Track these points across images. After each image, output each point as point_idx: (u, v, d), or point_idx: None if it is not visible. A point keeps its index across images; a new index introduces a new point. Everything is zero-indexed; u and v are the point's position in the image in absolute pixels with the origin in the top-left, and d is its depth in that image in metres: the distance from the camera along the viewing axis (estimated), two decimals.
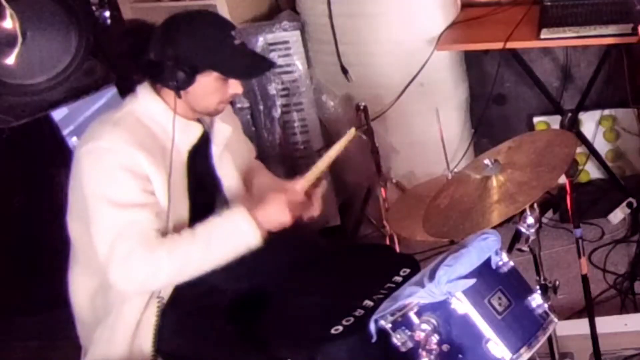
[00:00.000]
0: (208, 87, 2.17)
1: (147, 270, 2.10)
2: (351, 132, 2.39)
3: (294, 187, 2.27)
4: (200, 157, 2.32)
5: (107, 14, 3.08)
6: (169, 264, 2.10)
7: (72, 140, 3.00)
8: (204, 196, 2.38)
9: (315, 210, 2.32)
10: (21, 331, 3.36)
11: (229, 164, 2.40)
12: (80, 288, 2.33)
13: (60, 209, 2.29)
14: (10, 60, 2.49)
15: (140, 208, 2.11)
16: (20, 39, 2.47)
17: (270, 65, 2.37)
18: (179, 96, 2.17)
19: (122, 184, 2.11)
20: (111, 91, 2.94)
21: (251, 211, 2.18)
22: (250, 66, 2.24)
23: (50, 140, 3.04)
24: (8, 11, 2.40)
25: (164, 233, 2.15)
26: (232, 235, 2.15)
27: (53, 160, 3.00)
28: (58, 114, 2.98)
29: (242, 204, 2.23)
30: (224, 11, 3.38)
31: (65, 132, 3.03)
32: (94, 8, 2.95)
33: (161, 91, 2.21)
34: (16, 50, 2.48)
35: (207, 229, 2.17)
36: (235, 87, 2.22)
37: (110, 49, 2.74)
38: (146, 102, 2.21)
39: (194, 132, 2.27)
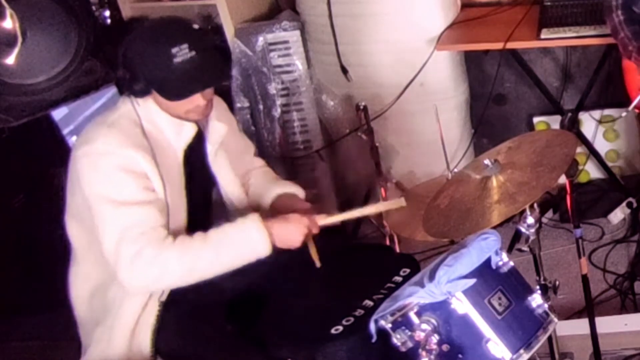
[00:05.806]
0: (163, 102, 2.18)
1: (155, 270, 2.10)
2: (400, 202, 2.39)
3: (317, 219, 2.29)
4: (195, 155, 2.32)
5: (107, 14, 3.10)
6: (178, 265, 2.11)
7: (72, 140, 3.01)
8: (200, 194, 2.39)
9: None
10: (21, 331, 3.36)
11: (224, 162, 2.41)
12: (79, 288, 2.34)
13: (60, 209, 2.29)
14: (10, 60, 2.50)
15: (143, 205, 2.12)
16: (20, 39, 2.47)
17: (220, 76, 2.31)
18: (138, 103, 2.18)
19: (123, 184, 2.12)
20: (111, 91, 2.94)
21: (265, 221, 2.19)
22: (186, 87, 2.14)
23: (50, 140, 3.04)
24: (8, 11, 2.41)
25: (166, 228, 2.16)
26: (243, 243, 2.16)
27: (53, 160, 3.00)
28: (58, 114, 2.99)
29: (251, 210, 2.23)
30: (224, 11, 3.38)
31: (65, 131, 3.04)
32: (94, 8, 2.96)
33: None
34: (16, 50, 2.49)
35: (219, 234, 2.17)
36: (194, 99, 2.17)
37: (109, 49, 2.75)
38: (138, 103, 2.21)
39: (188, 131, 2.27)
